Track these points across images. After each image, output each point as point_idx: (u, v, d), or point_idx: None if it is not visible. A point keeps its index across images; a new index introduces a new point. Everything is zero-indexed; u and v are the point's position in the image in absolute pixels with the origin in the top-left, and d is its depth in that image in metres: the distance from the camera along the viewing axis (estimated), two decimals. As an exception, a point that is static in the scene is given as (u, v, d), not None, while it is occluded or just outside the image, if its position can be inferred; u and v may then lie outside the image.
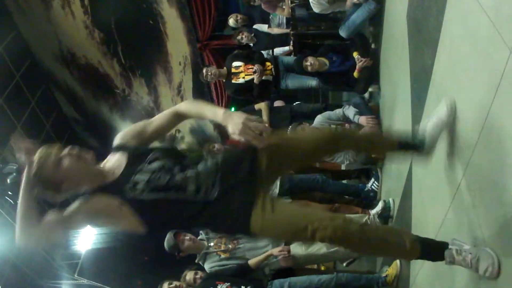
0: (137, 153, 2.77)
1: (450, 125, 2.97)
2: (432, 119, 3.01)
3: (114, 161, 2.78)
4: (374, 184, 5.69)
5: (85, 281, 9.97)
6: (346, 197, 5.94)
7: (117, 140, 2.86)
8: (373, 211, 5.15)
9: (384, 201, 5.08)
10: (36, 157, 2.60)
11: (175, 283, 4.86)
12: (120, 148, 2.81)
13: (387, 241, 2.64)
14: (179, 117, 2.84)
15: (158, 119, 2.88)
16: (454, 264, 2.58)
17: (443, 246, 2.66)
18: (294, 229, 2.52)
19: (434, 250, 2.68)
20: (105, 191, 2.63)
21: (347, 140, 2.92)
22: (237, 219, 2.58)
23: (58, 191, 2.66)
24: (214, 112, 2.59)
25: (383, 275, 4.79)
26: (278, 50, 7.54)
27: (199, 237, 5.01)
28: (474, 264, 2.47)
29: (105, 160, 2.84)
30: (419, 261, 3.75)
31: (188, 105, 2.82)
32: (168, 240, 4.94)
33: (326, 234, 2.45)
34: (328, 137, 2.85)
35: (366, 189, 5.75)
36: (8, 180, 6.78)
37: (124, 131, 2.91)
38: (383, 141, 3.20)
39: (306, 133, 3.11)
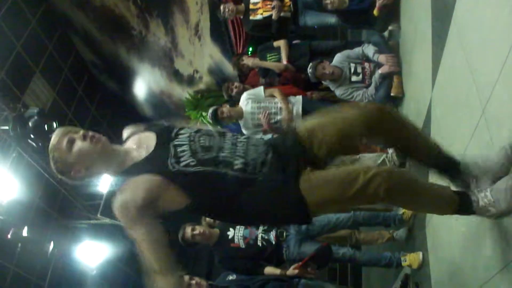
0: (164, 128, 2.70)
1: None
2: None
3: (137, 140, 2.72)
4: None
5: (107, 220, 10.19)
6: None
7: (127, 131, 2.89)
8: (391, 150, 5.15)
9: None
10: (52, 139, 2.61)
11: (198, 228, 4.92)
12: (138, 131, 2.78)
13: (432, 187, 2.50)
14: None
15: None
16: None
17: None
18: (346, 180, 2.31)
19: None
20: (142, 169, 2.47)
21: (388, 123, 2.52)
22: (285, 192, 2.42)
23: (70, 175, 2.62)
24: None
25: (400, 212, 4.84)
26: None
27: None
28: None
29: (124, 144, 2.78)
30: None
31: None
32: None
33: (383, 179, 2.25)
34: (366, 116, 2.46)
35: None
36: (30, 124, 6.86)
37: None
38: (426, 143, 2.69)
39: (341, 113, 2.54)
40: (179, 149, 2.49)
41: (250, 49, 9.42)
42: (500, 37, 2.59)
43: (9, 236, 7.46)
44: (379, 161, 4.97)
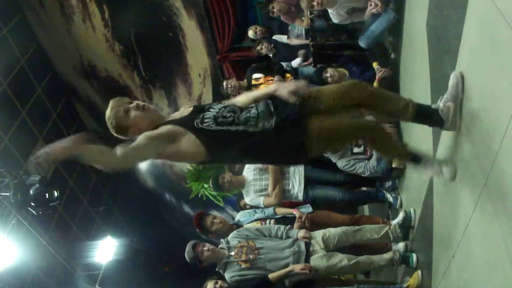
0: (200, 106, 3.42)
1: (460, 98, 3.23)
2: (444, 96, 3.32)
3: (181, 111, 3.48)
4: (391, 194, 5.73)
5: (106, 292, 10.00)
6: None
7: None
8: (394, 222, 5.12)
9: (405, 211, 5.05)
10: (109, 106, 3.32)
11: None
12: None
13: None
14: None
15: None
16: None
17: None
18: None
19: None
20: (170, 123, 3.28)
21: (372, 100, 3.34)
22: (293, 137, 3.19)
23: (127, 135, 3.32)
24: (266, 89, 3.47)
25: (404, 285, 4.76)
26: (293, 63, 7.55)
27: (219, 246, 5.02)
28: None
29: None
30: (440, 271, 3.75)
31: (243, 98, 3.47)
32: (187, 252, 4.96)
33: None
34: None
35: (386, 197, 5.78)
36: (31, 192, 6.85)
37: None
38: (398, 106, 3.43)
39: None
40: (205, 116, 3.25)
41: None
42: (499, 107, 2.62)
43: (4, 306, 7.31)
44: (381, 233, 4.94)
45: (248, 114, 3.21)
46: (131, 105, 3.32)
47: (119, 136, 3.34)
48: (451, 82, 3.25)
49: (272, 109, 3.26)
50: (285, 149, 3.26)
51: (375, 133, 3.44)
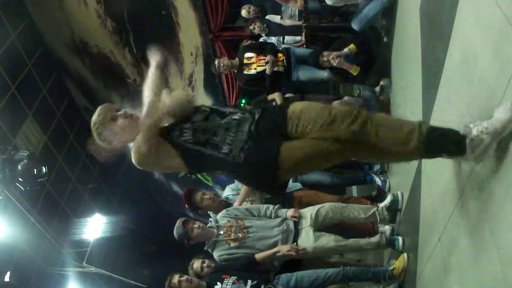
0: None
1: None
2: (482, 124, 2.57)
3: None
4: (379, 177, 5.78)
5: (93, 269, 10.03)
6: None
7: None
8: (381, 204, 5.15)
9: (393, 194, 5.08)
10: (96, 112, 3.16)
11: (186, 276, 4.87)
12: None
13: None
14: None
15: None
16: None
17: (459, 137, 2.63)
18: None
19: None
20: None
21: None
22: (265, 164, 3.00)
23: (111, 143, 3.15)
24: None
25: (390, 268, 4.79)
26: (289, 38, 7.52)
27: (208, 225, 5.02)
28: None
29: None
30: (426, 255, 3.78)
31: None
32: (177, 228, 4.95)
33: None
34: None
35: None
36: (19, 167, 6.82)
37: None
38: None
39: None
40: (184, 126, 3.10)
41: (243, 101, 9.52)
42: (489, 93, 2.62)
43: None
44: (369, 214, 4.96)
45: (225, 137, 3.05)
46: (119, 113, 3.18)
47: (103, 144, 3.19)
48: (503, 115, 2.46)
49: (252, 130, 3.05)
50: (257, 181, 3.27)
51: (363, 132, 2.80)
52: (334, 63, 5.76)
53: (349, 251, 5.32)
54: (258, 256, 4.76)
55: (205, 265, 4.95)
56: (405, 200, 4.89)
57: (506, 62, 2.40)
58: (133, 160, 3.09)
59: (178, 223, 4.96)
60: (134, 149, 3.06)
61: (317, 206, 5.00)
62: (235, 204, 5.42)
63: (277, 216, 5.00)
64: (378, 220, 5.03)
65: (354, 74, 5.85)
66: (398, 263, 4.62)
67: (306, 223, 4.88)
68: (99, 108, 3.19)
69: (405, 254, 4.57)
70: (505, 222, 2.41)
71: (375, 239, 4.94)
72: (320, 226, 4.91)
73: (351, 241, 4.91)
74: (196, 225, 4.92)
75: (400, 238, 4.82)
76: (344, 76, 6.42)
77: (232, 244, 4.84)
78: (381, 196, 5.67)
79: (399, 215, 4.99)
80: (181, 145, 3.06)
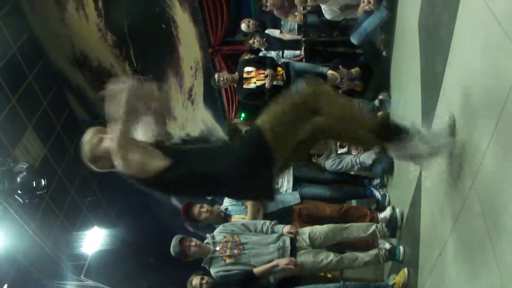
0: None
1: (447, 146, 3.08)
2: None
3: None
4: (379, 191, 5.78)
5: (91, 283, 9.99)
6: None
7: None
8: (381, 215, 5.16)
9: (393, 207, 5.09)
10: (86, 133, 3.16)
11: None
12: None
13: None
14: None
15: None
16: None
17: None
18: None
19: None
20: None
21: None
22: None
23: (97, 165, 3.14)
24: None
25: (390, 283, 4.78)
26: (288, 53, 7.53)
27: (205, 241, 5.01)
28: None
29: None
30: (427, 269, 3.77)
31: None
32: (174, 246, 4.95)
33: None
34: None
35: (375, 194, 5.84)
36: (18, 179, 6.81)
37: None
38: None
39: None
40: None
41: (243, 115, 9.52)
42: (487, 107, 2.63)
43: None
44: (369, 232, 4.96)
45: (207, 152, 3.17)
46: (105, 136, 3.11)
47: (91, 166, 3.17)
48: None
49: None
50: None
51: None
52: (344, 87, 5.82)
53: (348, 266, 5.29)
54: (256, 270, 4.75)
55: (204, 281, 4.93)
56: (405, 214, 4.88)
57: (504, 75, 2.41)
58: (123, 169, 3.02)
59: (175, 241, 4.96)
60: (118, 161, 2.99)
61: (316, 228, 5.00)
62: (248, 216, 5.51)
63: (273, 232, 4.99)
64: (379, 237, 5.03)
65: (359, 89, 5.91)
66: (399, 278, 4.60)
67: (304, 243, 4.87)
68: (88, 129, 3.21)
69: (405, 269, 4.55)
70: (505, 236, 2.40)
71: (373, 251, 4.94)
72: (319, 246, 4.91)
73: (348, 254, 4.91)
74: (193, 243, 4.92)
75: (401, 247, 4.82)
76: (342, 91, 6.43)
77: (228, 261, 4.83)
78: (380, 208, 5.67)
79: (398, 231, 4.99)
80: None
